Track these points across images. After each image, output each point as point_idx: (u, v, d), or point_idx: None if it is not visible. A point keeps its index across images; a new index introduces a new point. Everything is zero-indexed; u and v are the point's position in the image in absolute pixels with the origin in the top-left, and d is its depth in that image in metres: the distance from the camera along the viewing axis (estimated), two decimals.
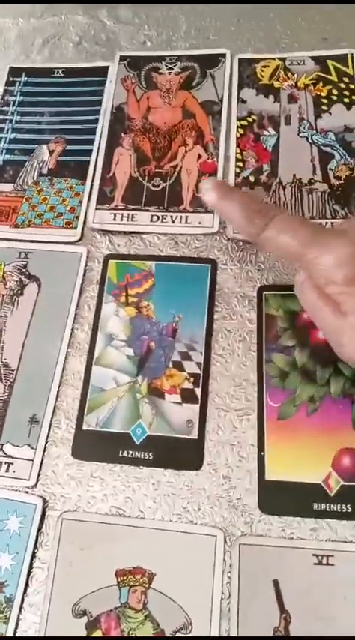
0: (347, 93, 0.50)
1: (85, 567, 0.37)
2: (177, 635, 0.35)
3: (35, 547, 0.37)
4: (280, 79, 0.52)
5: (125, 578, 0.36)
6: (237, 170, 0.48)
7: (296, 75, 0.52)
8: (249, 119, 0.50)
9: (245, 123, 0.50)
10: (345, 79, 0.51)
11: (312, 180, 0.46)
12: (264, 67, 0.52)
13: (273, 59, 0.53)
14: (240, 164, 0.48)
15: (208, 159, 0.49)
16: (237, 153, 0.49)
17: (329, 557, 0.35)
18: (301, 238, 0.34)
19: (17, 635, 0.36)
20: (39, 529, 0.38)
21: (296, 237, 0.34)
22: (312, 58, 0.52)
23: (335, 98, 0.50)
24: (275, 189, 0.47)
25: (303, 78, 0.51)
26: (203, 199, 0.39)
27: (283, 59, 0.53)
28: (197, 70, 0.53)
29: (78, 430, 0.41)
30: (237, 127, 0.50)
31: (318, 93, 0.50)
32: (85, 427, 0.41)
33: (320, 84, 0.51)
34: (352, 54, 0.52)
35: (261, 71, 0.52)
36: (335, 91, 0.50)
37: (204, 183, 0.39)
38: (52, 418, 0.41)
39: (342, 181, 0.46)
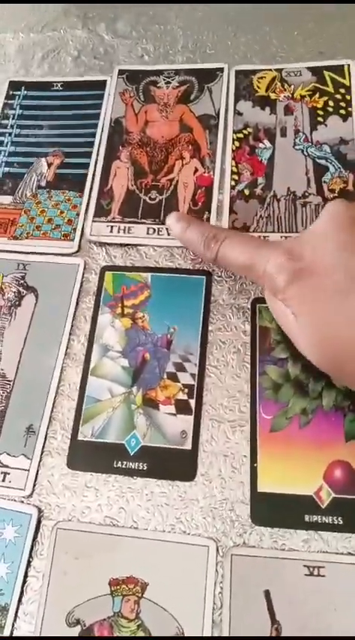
0: (343, 104, 0.51)
1: (79, 577, 0.37)
2: None
3: (30, 556, 0.38)
4: (276, 91, 0.52)
5: (118, 587, 0.37)
6: (232, 183, 0.48)
7: (292, 86, 0.52)
8: (245, 131, 0.51)
9: (241, 135, 0.51)
10: (342, 90, 0.51)
11: (306, 194, 0.47)
12: (261, 78, 0.53)
13: (270, 70, 0.53)
14: (235, 177, 0.49)
15: (204, 173, 0.49)
16: (232, 166, 0.49)
17: (320, 568, 0.36)
18: (247, 253, 0.38)
19: None
20: (34, 538, 0.38)
21: (243, 253, 0.38)
22: (309, 68, 0.53)
23: (331, 109, 0.50)
24: (270, 202, 0.47)
25: (300, 89, 0.52)
26: (170, 233, 0.44)
27: (280, 70, 0.53)
28: (194, 84, 0.54)
29: (73, 440, 0.41)
30: (233, 139, 0.50)
31: (314, 104, 0.51)
32: (80, 437, 0.41)
33: (317, 95, 0.51)
34: (348, 64, 0.52)
35: (257, 83, 0.53)
36: (331, 103, 0.51)
37: (167, 218, 0.44)
38: (48, 428, 0.42)
39: (336, 194, 0.46)
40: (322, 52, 0.53)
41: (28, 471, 0.40)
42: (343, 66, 0.52)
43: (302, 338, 0.36)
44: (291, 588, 0.35)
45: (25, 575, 0.38)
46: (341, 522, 0.36)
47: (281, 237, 0.45)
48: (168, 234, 0.47)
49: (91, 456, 0.41)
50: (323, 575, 0.35)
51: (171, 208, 0.48)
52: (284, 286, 0.35)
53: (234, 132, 0.51)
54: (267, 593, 0.35)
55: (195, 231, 0.42)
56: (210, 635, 0.35)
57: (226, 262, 0.40)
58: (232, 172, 0.49)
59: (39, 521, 0.39)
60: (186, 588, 0.36)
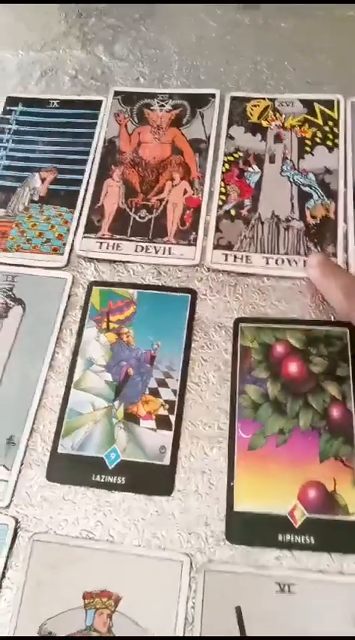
0: (330, 136, 0.52)
1: (53, 589, 0.38)
2: None
3: (5, 567, 0.38)
4: (268, 119, 0.54)
5: (92, 600, 0.37)
6: (220, 203, 0.50)
7: (284, 116, 0.54)
8: (236, 155, 0.52)
9: (231, 158, 0.52)
10: (330, 123, 0.53)
11: (289, 218, 0.48)
12: (254, 106, 0.55)
13: (264, 99, 0.55)
14: (223, 197, 0.50)
15: (193, 194, 0.51)
16: (221, 186, 0.51)
17: (291, 585, 0.36)
18: None
19: None
20: (10, 549, 0.39)
21: None
22: (301, 100, 0.55)
23: (318, 140, 0.52)
24: (255, 223, 0.49)
25: (291, 119, 0.54)
26: (306, 272, 0.45)
27: (273, 100, 0.55)
28: (187, 108, 0.55)
29: (53, 453, 0.42)
30: (224, 161, 0.52)
31: (303, 134, 0.53)
32: (60, 450, 0.42)
33: (306, 125, 0.53)
34: (338, 100, 0.54)
35: (251, 110, 0.55)
36: (319, 134, 0.53)
37: (309, 258, 0.45)
38: (28, 440, 0.42)
39: (318, 221, 0.48)
40: (309, 82, 0.55)
41: (7, 481, 0.41)
42: (333, 101, 0.54)
43: None
44: (262, 605, 0.36)
45: None
46: (313, 542, 0.37)
47: (263, 257, 0.47)
48: (156, 252, 0.48)
49: (71, 469, 0.41)
50: (294, 593, 0.36)
51: (159, 227, 0.49)
52: None
53: (225, 154, 0.52)
54: (238, 610, 0.36)
55: (339, 278, 0.42)
56: None
57: None
58: (221, 193, 0.50)
59: (15, 533, 0.39)
60: (159, 603, 0.37)
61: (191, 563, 0.37)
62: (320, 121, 0.53)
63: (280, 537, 0.37)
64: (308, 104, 0.54)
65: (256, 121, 0.54)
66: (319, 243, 0.47)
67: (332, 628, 0.35)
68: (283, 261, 0.47)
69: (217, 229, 0.49)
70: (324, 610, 0.35)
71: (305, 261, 0.46)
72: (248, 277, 0.47)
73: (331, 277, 0.42)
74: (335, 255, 0.46)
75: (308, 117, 0.53)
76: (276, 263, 0.47)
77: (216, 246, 0.48)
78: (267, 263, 0.47)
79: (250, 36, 0.59)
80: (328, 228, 0.48)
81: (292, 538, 0.37)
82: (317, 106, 0.54)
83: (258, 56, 0.57)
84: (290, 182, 0.50)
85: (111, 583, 0.37)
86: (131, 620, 0.36)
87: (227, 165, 0.52)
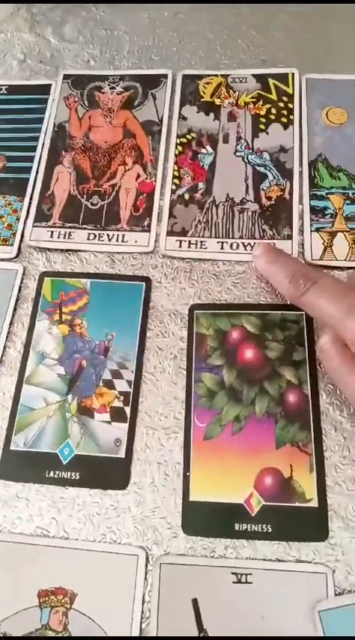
0: (285, 112, 0.51)
1: (7, 589, 0.37)
2: None
3: None
4: (221, 97, 0.52)
5: (47, 598, 0.36)
6: (173, 187, 0.48)
7: (237, 92, 0.52)
8: (189, 136, 0.51)
9: (184, 140, 0.51)
10: (285, 98, 0.52)
11: (244, 200, 0.47)
12: (207, 83, 0.53)
13: (216, 76, 0.54)
14: (177, 181, 0.49)
15: (146, 179, 0.49)
16: (174, 170, 0.49)
17: (248, 575, 0.36)
18: (340, 306, 0.36)
19: None
20: None
21: (335, 304, 0.36)
22: (254, 75, 0.53)
23: (273, 117, 0.51)
24: (209, 207, 0.47)
25: (244, 96, 0.52)
26: (253, 264, 0.44)
27: (226, 76, 0.53)
28: (139, 89, 0.53)
29: (5, 450, 0.40)
30: (176, 144, 0.50)
31: (257, 111, 0.51)
32: (12, 447, 0.40)
33: (260, 102, 0.52)
34: (293, 73, 0.53)
35: (203, 88, 0.53)
36: (273, 110, 0.51)
37: (254, 249, 0.44)
38: None
39: (273, 202, 0.47)
40: (264, 59, 0.54)
41: None
42: (288, 74, 0.53)
43: None
44: (219, 596, 0.35)
45: None
46: (270, 530, 0.37)
47: (218, 242, 0.46)
48: (109, 240, 0.47)
49: (23, 466, 0.40)
50: (251, 582, 0.35)
51: (112, 214, 0.48)
52: None
53: (178, 136, 0.51)
54: (195, 602, 0.35)
55: (284, 265, 0.41)
56: None
57: (313, 307, 0.38)
58: (174, 177, 0.49)
59: None
60: (115, 598, 0.36)
61: (147, 557, 0.37)
62: (274, 97, 0.52)
63: (236, 526, 0.37)
64: (262, 79, 0.53)
65: (209, 99, 0.52)
66: (274, 225, 0.46)
67: (290, 617, 0.34)
68: (238, 246, 0.46)
69: (171, 215, 0.47)
70: (282, 599, 0.35)
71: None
72: (203, 263, 0.46)
73: (276, 265, 0.41)
74: (290, 237, 0.45)
75: (263, 92, 0.52)
76: (231, 247, 0.46)
77: (170, 233, 0.47)
78: (222, 248, 0.46)
79: (203, 14, 0.57)
80: (283, 209, 0.46)
81: (249, 527, 0.37)
82: (271, 81, 0.52)
83: (210, 34, 0.56)
84: (245, 162, 0.49)
85: (67, 580, 0.37)
86: (87, 616, 0.36)
87: (180, 148, 0.50)
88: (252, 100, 0.52)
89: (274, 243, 0.45)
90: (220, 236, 0.46)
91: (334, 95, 0.51)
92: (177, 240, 0.46)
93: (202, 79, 0.53)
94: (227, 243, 0.46)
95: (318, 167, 0.48)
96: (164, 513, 0.38)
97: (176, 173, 0.49)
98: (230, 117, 0.51)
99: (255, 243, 0.45)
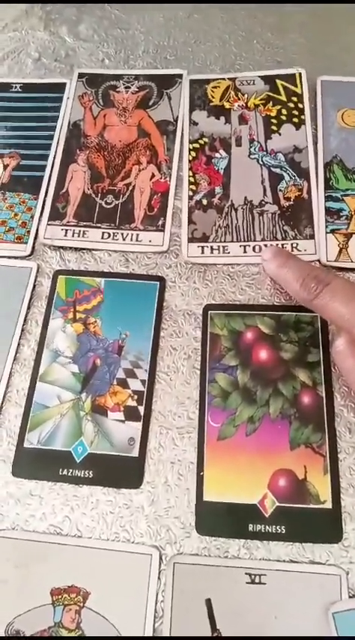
0: (295, 112, 0.51)
1: (20, 586, 0.37)
2: None
3: None
4: (230, 100, 0.52)
5: (60, 597, 0.36)
6: (190, 193, 0.48)
7: (246, 95, 0.52)
8: (201, 141, 0.51)
9: (197, 145, 0.51)
10: (294, 99, 0.52)
11: (263, 202, 0.47)
12: (215, 87, 0.53)
13: (223, 79, 0.53)
14: (193, 187, 0.49)
15: (161, 178, 0.49)
16: (189, 176, 0.49)
17: (262, 576, 0.36)
18: (354, 307, 0.35)
19: None
20: None
21: (349, 306, 0.36)
22: (262, 77, 0.53)
23: (284, 118, 0.51)
24: (228, 211, 0.47)
25: (253, 98, 0.52)
26: (263, 267, 0.44)
27: (233, 79, 0.53)
28: (154, 89, 0.54)
29: (19, 448, 0.40)
30: (190, 149, 0.50)
31: (268, 113, 0.51)
32: (26, 445, 0.41)
33: (270, 104, 0.52)
34: (300, 73, 0.53)
35: (211, 92, 0.53)
36: (284, 111, 0.51)
37: (263, 252, 0.44)
38: None
39: (292, 202, 0.47)
40: (280, 61, 0.54)
41: None
42: (295, 74, 0.53)
43: None
44: (233, 596, 0.35)
45: None
46: (283, 531, 0.37)
47: (240, 246, 0.46)
48: (123, 239, 0.47)
49: (37, 464, 0.40)
50: (264, 583, 0.35)
51: (126, 213, 0.48)
52: None
53: (191, 142, 0.51)
54: (208, 602, 0.35)
55: (294, 268, 0.41)
56: None
57: (325, 310, 0.38)
58: (190, 183, 0.49)
59: None
60: (128, 597, 0.36)
61: (160, 556, 0.37)
62: (283, 98, 0.52)
63: (250, 527, 0.37)
64: (269, 80, 0.53)
65: (218, 103, 0.52)
66: (295, 225, 0.46)
67: (303, 618, 0.34)
68: (260, 248, 0.45)
69: (190, 221, 0.47)
70: (296, 600, 0.35)
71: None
72: (217, 263, 0.46)
73: (286, 268, 0.41)
74: (312, 236, 0.45)
75: (271, 94, 0.52)
76: (254, 250, 0.46)
77: (191, 239, 0.46)
78: (245, 251, 0.46)
79: (219, 14, 0.57)
80: (303, 209, 0.46)
81: (262, 528, 0.37)
82: (278, 82, 0.52)
83: (226, 35, 0.56)
84: (260, 164, 0.49)
85: (80, 578, 0.37)
86: (100, 615, 0.36)
87: (193, 153, 0.50)
88: (262, 101, 0.52)
89: (294, 244, 0.45)
90: (242, 240, 0.46)
91: (349, 97, 0.51)
92: (198, 247, 0.46)
93: (210, 83, 0.53)
94: (249, 246, 0.46)
95: (334, 169, 0.48)
96: (177, 513, 0.38)
97: (191, 179, 0.49)
98: (241, 120, 0.51)
99: (274, 245, 0.45)
